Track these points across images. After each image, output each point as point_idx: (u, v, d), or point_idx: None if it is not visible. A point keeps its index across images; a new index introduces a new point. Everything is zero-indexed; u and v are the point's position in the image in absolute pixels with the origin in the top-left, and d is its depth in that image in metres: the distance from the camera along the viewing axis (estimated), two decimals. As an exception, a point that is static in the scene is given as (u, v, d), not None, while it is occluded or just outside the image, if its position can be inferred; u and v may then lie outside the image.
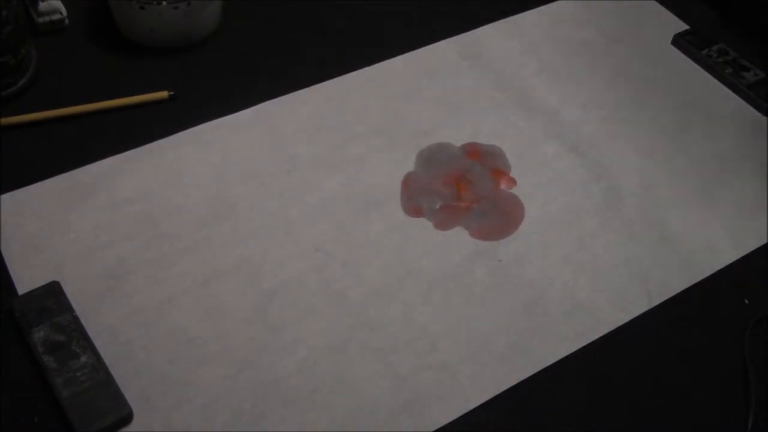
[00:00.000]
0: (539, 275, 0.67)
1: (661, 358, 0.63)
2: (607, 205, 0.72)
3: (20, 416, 0.56)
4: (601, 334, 0.63)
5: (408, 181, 0.73)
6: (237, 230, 0.68)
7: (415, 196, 0.71)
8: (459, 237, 0.69)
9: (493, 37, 0.87)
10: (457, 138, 0.76)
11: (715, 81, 0.84)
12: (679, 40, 0.87)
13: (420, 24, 0.88)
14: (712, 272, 0.68)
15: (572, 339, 0.63)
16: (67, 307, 0.61)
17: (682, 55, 0.86)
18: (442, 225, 0.70)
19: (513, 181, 0.73)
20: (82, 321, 0.60)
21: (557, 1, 0.91)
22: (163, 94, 0.77)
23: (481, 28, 0.88)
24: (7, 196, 0.68)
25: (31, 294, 0.61)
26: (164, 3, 0.78)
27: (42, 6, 0.82)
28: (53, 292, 0.62)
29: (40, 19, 0.82)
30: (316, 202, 0.70)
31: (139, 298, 0.63)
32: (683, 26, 0.89)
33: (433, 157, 0.75)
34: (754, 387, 0.61)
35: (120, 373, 0.58)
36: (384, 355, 0.61)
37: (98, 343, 0.59)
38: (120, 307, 0.62)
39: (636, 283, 0.67)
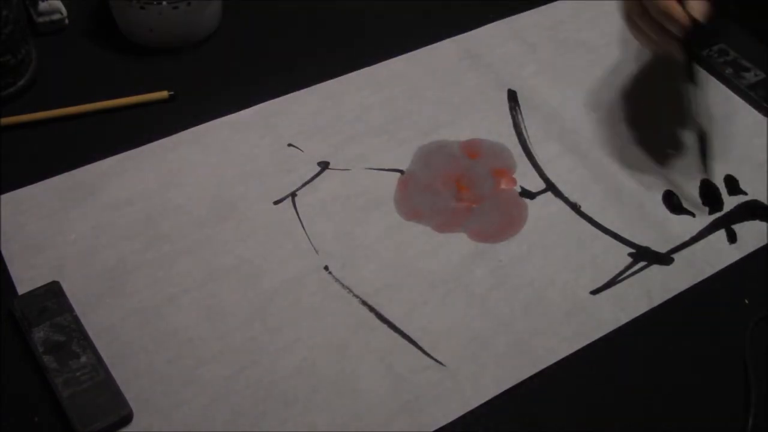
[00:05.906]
0: (539, 275, 0.67)
1: (661, 358, 0.63)
2: (607, 205, 0.72)
3: (20, 416, 0.56)
4: (601, 334, 0.63)
5: (407, 181, 0.73)
6: (237, 230, 0.68)
7: (414, 196, 0.71)
8: (459, 237, 0.69)
9: (493, 37, 0.87)
10: (457, 138, 0.76)
11: (715, 81, 0.84)
12: (679, 40, 0.87)
13: (420, 24, 0.88)
14: (713, 272, 0.68)
15: (572, 339, 0.63)
16: (67, 307, 0.61)
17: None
18: (442, 225, 0.70)
19: (514, 181, 0.73)
20: (82, 321, 0.60)
21: (557, 1, 0.91)
22: (163, 94, 0.77)
23: (481, 28, 0.88)
24: (7, 196, 0.68)
25: (31, 294, 0.61)
26: (164, 3, 0.78)
27: (42, 6, 0.82)
28: (53, 292, 0.62)
29: (40, 19, 0.82)
30: (316, 202, 0.70)
31: (139, 298, 0.63)
32: (683, 26, 0.89)
33: (432, 157, 0.75)
34: (754, 387, 0.61)
35: (120, 373, 0.58)
36: (384, 355, 0.61)
37: (98, 343, 0.59)
38: (120, 307, 0.62)
39: (636, 283, 0.67)
